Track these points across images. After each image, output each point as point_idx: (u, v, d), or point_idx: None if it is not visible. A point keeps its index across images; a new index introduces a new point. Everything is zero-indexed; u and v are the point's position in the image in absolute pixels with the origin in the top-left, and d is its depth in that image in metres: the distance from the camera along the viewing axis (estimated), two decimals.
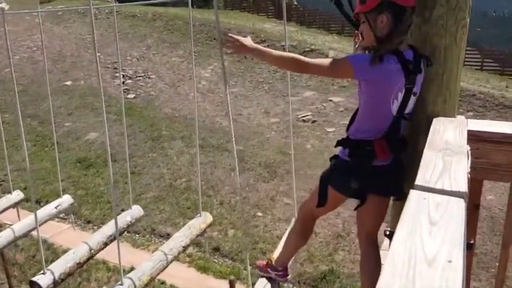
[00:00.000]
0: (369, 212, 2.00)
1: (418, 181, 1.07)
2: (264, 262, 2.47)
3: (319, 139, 8.99)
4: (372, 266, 2.00)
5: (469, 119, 1.64)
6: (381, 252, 2.06)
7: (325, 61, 1.79)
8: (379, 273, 1.90)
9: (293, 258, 2.45)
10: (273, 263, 2.41)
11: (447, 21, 1.58)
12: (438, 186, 1.05)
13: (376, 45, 1.72)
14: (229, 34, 1.88)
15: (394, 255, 0.76)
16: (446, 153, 1.27)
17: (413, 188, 1.04)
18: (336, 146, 1.94)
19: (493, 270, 5.40)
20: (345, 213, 6.91)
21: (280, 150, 8.71)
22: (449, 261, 0.75)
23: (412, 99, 1.73)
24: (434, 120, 1.59)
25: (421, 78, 1.73)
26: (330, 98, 10.59)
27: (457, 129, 1.48)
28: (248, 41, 1.86)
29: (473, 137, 1.50)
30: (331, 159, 1.98)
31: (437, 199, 0.99)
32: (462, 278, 0.72)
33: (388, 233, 1.53)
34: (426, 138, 1.42)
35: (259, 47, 1.88)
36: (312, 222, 2.24)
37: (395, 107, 1.73)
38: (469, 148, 1.32)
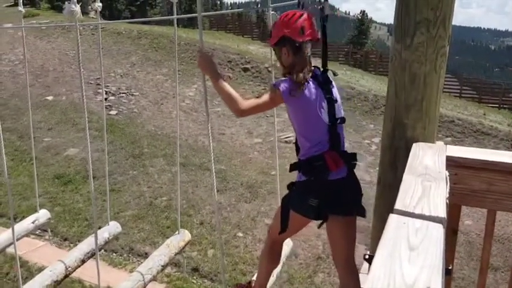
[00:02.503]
0: (338, 235, 2.07)
1: (398, 206, 1.08)
2: (245, 285, 2.49)
3: None
4: None
5: (448, 145, 1.66)
6: (360, 275, 2.05)
7: (259, 100, 1.96)
8: None
9: (270, 280, 2.45)
10: (253, 286, 2.42)
11: (427, 49, 1.61)
12: (417, 211, 1.06)
13: (287, 72, 2.00)
14: (200, 50, 2.05)
15: (373, 280, 0.76)
16: (425, 178, 1.28)
17: (392, 213, 1.04)
18: (290, 171, 2.04)
19: None
20: (325, 235, 6.90)
21: (263, 171, 8.71)
22: (428, 287, 0.76)
23: (337, 106, 2.01)
24: (414, 145, 1.60)
25: (335, 87, 2.04)
26: None
27: (436, 154, 1.49)
28: (208, 59, 2.01)
29: (452, 163, 1.53)
30: (288, 186, 2.06)
31: (417, 224, 0.99)
32: None
33: (367, 257, 1.53)
34: (405, 163, 1.43)
35: (219, 74, 1.99)
36: (279, 245, 2.30)
37: (325, 116, 1.97)
38: (447, 174, 1.34)
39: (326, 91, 1.99)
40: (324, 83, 2.00)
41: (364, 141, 9.88)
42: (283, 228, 2.05)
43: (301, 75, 1.93)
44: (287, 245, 2.92)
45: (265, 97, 1.95)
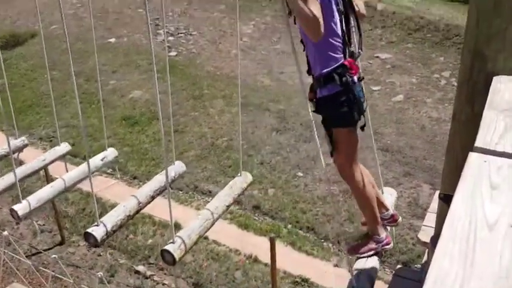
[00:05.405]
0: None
1: (478, 143, 1.01)
2: (360, 241, 2.35)
3: None
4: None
5: None
6: (428, 215, 2.01)
7: (318, 16, 1.91)
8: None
9: (379, 216, 2.33)
10: (371, 233, 2.28)
11: None
12: (499, 149, 1.00)
13: None
14: None
15: (453, 218, 0.73)
16: (508, 114, 1.20)
17: (472, 151, 0.98)
18: (314, 90, 2.18)
19: None
20: (387, 175, 6.81)
21: None
22: None
23: (344, 18, 2.11)
24: (495, 78, 1.48)
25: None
26: (377, 55, 10.21)
27: None
28: None
29: None
30: (315, 104, 2.19)
31: (499, 162, 0.94)
32: None
33: (442, 195, 1.47)
34: (484, 98, 1.34)
35: None
36: (360, 174, 2.25)
37: (339, 27, 2.07)
38: None
39: (336, 1, 2.08)
40: None
41: (432, 76, 9.33)
42: (332, 149, 2.16)
43: None
44: (391, 195, 2.83)
45: (316, 11, 1.89)
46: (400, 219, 2.46)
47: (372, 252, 2.23)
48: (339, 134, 2.12)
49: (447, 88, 8.82)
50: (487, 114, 1.19)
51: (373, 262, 2.23)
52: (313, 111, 2.20)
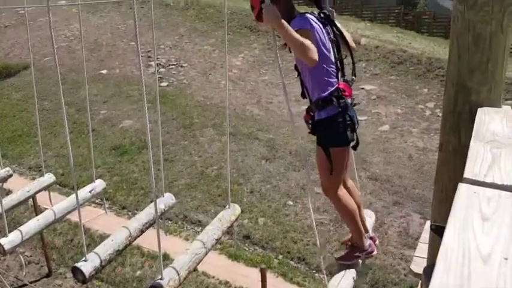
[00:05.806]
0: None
1: (467, 174, 1.03)
2: (346, 251, 2.54)
3: None
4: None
5: None
6: (420, 245, 2.02)
7: (309, 43, 2.05)
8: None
9: (363, 229, 2.51)
10: (356, 245, 2.47)
11: (493, 8, 1.50)
12: (488, 180, 1.01)
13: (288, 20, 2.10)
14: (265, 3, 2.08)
15: (447, 251, 0.74)
16: (494, 145, 1.22)
17: (461, 182, 1.00)
18: (314, 112, 2.29)
19: None
20: (377, 204, 6.82)
21: (311, 139, 8.63)
22: (506, 259, 0.73)
23: (335, 46, 2.28)
24: (479, 110, 1.52)
25: (331, 29, 2.29)
26: (362, 86, 10.40)
27: (504, 119, 1.41)
28: (274, 11, 2.03)
29: None
30: (310, 126, 2.33)
31: (488, 193, 0.95)
32: None
33: (433, 227, 1.49)
34: (469, 129, 1.37)
35: (286, 25, 2.04)
36: (343, 191, 2.40)
37: (332, 54, 2.24)
38: None
39: (327, 30, 2.26)
40: (323, 22, 2.26)
41: (417, 106, 9.50)
42: (332, 168, 2.26)
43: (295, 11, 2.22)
44: (370, 217, 2.93)
45: (306, 40, 2.04)
46: (377, 241, 2.69)
47: (357, 260, 2.50)
48: (333, 153, 2.25)
49: (432, 118, 8.97)
50: (474, 145, 1.21)
51: (348, 278, 2.43)
52: (309, 133, 2.37)
